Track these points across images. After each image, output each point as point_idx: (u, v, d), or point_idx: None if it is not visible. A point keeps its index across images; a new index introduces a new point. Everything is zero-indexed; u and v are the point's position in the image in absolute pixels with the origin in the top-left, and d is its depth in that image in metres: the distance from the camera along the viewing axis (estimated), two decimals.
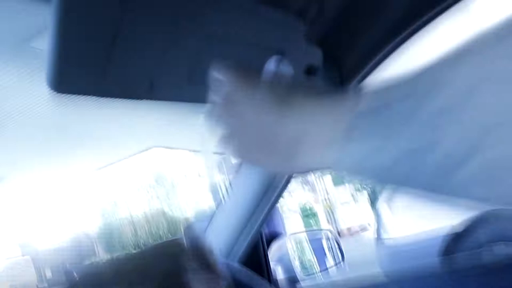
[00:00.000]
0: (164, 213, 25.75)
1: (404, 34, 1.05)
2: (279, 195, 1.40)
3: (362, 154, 0.44)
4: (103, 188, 26.84)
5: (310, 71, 0.92)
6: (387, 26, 1.03)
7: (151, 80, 0.65)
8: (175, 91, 0.71)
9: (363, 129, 0.44)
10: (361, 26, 1.04)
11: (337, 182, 14.84)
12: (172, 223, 25.30)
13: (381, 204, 5.81)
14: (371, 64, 1.13)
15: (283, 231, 1.90)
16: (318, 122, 0.48)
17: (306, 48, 0.88)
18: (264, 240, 1.61)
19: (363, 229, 14.18)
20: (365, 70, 1.15)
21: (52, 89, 0.57)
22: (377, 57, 1.12)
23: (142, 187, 26.35)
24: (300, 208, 14.17)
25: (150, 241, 24.77)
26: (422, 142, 0.39)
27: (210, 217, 2.01)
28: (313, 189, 14.05)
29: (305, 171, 0.52)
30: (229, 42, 0.72)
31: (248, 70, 0.61)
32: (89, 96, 0.59)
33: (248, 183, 1.48)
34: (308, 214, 14.84)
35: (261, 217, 1.40)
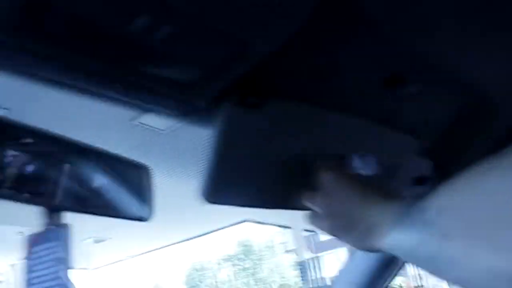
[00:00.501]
0: (248, 284, 25.76)
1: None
2: (393, 278, 1.32)
3: (410, 244, 0.54)
4: (191, 255, 30.78)
5: (420, 181, 0.99)
6: (491, 141, 1.09)
7: (287, 193, 0.74)
8: (297, 200, 0.75)
9: (413, 223, 0.54)
10: (467, 140, 1.08)
11: None
12: None
13: None
14: None
15: None
16: (383, 215, 0.62)
17: (416, 161, 0.97)
18: None
19: None
20: None
21: (207, 200, 0.68)
22: None
23: (231, 259, 26.97)
24: None
25: None
26: None
27: None
28: (406, 274, 13.28)
29: (375, 251, 0.63)
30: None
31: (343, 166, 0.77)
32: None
33: (357, 272, 1.34)
34: None
35: None
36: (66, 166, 0.59)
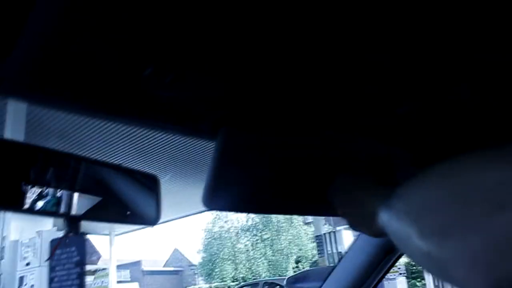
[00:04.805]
0: (265, 254, 26.18)
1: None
2: (389, 268, 1.48)
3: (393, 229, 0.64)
4: (211, 224, 29.07)
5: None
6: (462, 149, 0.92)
7: (280, 204, 0.87)
8: (296, 207, 0.91)
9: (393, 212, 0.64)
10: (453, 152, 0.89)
11: None
12: (272, 265, 25.79)
13: None
14: None
15: None
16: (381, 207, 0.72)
17: (408, 171, 1.00)
18: None
19: None
20: None
21: (206, 207, 0.78)
22: None
23: (249, 229, 27.54)
24: (406, 268, 12.97)
25: (249, 276, 25.49)
26: None
27: (311, 275, 2.27)
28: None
29: (380, 236, 0.76)
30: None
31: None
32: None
33: (360, 257, 1.47)
34: (415, 276, 14.37)
35: None
36: (85, 181, 0.69)
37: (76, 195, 0.70)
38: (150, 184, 0.79)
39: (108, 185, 0.75)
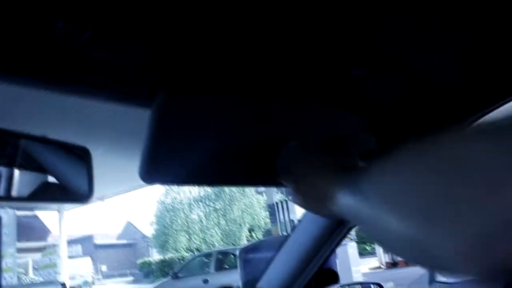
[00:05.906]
0: (219, 224, 26.42)
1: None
2: (341, 240, 1.49)
3: (354, 209, 0.63)
4: (164, 195, 29.06)
5: (365, 156, 1.02)
6: (437, 122, 1.14)
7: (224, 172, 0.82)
8: (244, 177, 0.88)
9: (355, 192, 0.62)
10: (413, 120, 1.13)
11: None
12: (225, 234, 26.06)
13: None
14: None
15: (334, 267, 1.89)
16: (337, 186, 0.69)
17: (362, 137, 1.04)
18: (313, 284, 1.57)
19: None
20: None
21: (143, 181, 0.72)
22: None
23: (202, 199, 27.60)
24: (356, 233, 13.32)
25: (203, 246, 25.61)
26: None
27: (264, 246, 2.28)
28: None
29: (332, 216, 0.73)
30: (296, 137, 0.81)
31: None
32: None
33: (312, 229, 1.46)
34: (364, 240, 15.26)
35: (320, 262, 1.48)
36: (3, 156, 0.60)
37: None
38: (80, 157, 0.70)
39: (31, 159, 0.67)
